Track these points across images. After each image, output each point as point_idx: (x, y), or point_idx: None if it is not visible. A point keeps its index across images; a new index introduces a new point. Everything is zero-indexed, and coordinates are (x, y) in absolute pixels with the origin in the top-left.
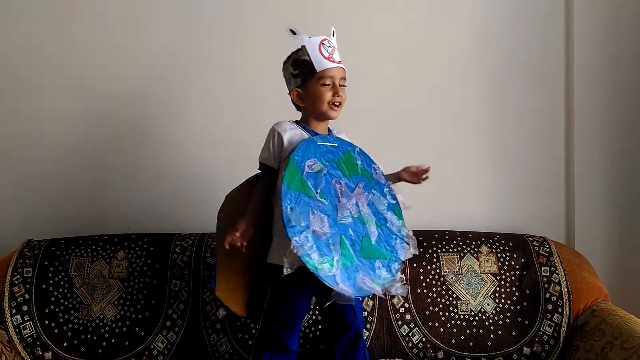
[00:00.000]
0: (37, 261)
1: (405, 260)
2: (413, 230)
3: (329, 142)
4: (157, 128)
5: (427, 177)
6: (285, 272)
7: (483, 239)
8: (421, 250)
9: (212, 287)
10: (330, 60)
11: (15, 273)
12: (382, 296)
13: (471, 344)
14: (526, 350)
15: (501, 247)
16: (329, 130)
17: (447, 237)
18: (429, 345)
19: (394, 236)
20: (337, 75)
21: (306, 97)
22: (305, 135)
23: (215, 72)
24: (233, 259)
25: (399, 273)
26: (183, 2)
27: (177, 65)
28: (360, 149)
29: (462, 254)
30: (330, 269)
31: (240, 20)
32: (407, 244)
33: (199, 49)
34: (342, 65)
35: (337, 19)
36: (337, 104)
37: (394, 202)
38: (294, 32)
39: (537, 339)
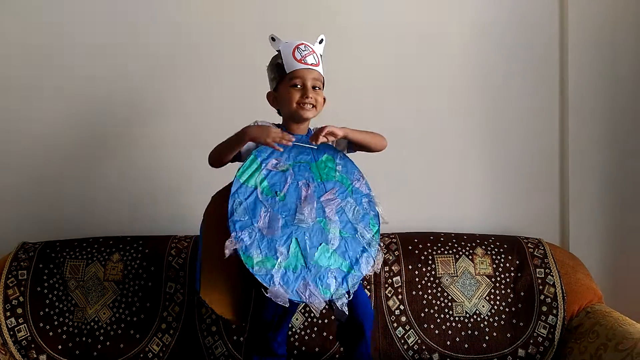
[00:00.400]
0: (32, 264)
1: (401, 261)
2: (409, 232)
3: (307, 144)
4: (153, 129)
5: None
6: (227, 255)
7: (478, 241)
8: (416, 252)
9: (197, 289)
10: (302, 63)
11: (10, 276)
12: (315, 310)
13: (466, 345)
14: (521, 352)
15: (496, 249)
16: (309, 131)
17: (442, 239)
18: (424, 347)
19: (361, 249)
20: (308, 76)
21: (279, 99)
22: None
23: (210, 72)
24: (218, 260)
25: (354, 287)
26: (173, 3)
27: (171, 65)
28: (344, 154)
29: (457, 256)
30: (269, 269)
31: (234, 19)
32: (374, 259)
33: (191, 49)
34: (314, 68)
35: (335, 19)
36: (308, 104)
37: (372, 214)
38: (273, 39)
39: (531, 341)
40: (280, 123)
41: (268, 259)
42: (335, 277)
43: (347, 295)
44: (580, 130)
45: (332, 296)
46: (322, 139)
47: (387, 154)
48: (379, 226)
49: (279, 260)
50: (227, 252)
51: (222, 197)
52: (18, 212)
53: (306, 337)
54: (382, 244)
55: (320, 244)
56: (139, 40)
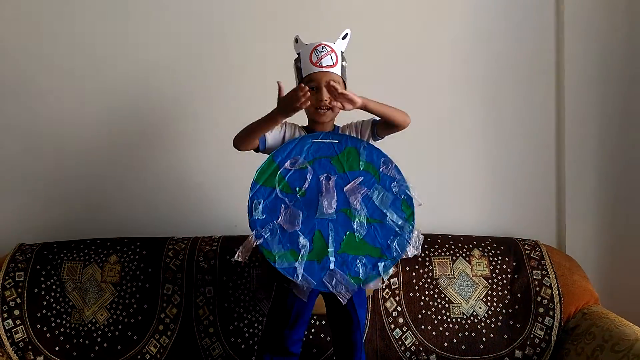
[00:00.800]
0: (29, 265)
1: (398, 262)
2: None
3: (329, 139)
4: (149, 133)
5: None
6: (235, 258)
7: (475, 243)
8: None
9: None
10: (316, 65)
11: (7, 277)
12: (342, 299)
13: (463, 347)
14: (518, 353)
15: (493, 251)
16: (335, 127)
17: (439, 240)
18: (421, 349)
19: (392, 234)
20: (323, 79)
21: None
22: (297, 137)
23: (215, 78)
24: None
25: (388, 273)
26: (194, 2)
27: (172, 71)
28: (368, 143)
29: (454, 258)
30: (292, 262)
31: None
32: (409, 242)
33: (206, 54)
34: (330, 70)
35: (335, 22)
36: (323, 108)
37: (404, 197)
38: (296, 41)
39: (528, 342)
40: (306, 124)
41: (291, 252)
42: (364, 264)
43: (380, 282)
44: (576, 133)
45: (362, 284)
46: (337, 105)
47: (386, 153)
48: (413, 209)
49: (301, 252)
50: (246, 250)
51: None
52: (15, 214)
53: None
54: (417, 227)
55: (347, 233)
56: (140, 44)
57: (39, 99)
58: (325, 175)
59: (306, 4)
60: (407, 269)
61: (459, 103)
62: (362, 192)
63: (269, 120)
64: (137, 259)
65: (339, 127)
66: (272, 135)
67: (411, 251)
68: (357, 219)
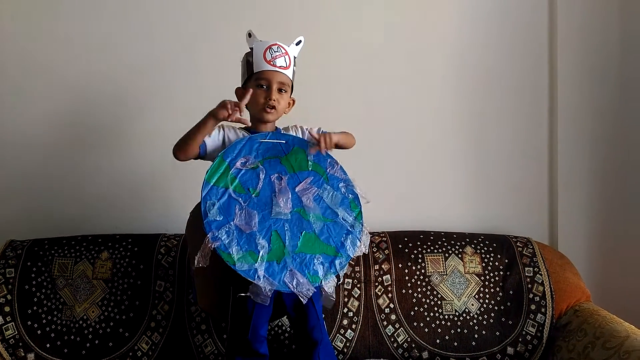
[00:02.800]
0: (20, 262)
1: (390, 259)
2: (399, 231)
3: (275, 140)
4: (141, 127)
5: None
6: (195, 264)
7: (467, 240)
8: (406, 250)
9: (194, 300)
10: (270, 64)
11: None
12: (303, 298)
13: (455, 344)
14: (510, 350)
15: (485, 248)
16: (277, 129)
17: (432, 237)
18: (413, 346)
19: (345, 232)
20: (274, 79)
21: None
22: (245, 136)
23: (200, 69)
24: (206, 268)
25: (343, 270)
26: (162, 2)
27: (160, 63)
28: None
29: (446, 255)
30: (252, 264)
31: (219, 20)
32: (359, 240)
33: (181, 47)
34: (283, 71)
35: (320, 22)
36: (269, 107)
37: (351, 197)
38: (250, 35)
39: (520, 339)
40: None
41: (250, 253)
42: (322, 263)
43: (335, 280)
44: (569, 130)
45: (321, 282)
46: (324, 150)
47: (376, 153)
48: (361, 207)
49: (260, 253)
50: (205, 254)
51: (199, 209)
52: (5, 210)
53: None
54: (365, 225)
55: (302, 233)
56: (132, 38)
57: (22, 96)
58: (277, 175)
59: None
60: (400, 266)
61: (451, 100)
62: (313, 191)
63: (202, 126)
64: (129, 255)
65: (280, 128)
66: (212, 140)
67: (361, 249)
68: (311, 218)
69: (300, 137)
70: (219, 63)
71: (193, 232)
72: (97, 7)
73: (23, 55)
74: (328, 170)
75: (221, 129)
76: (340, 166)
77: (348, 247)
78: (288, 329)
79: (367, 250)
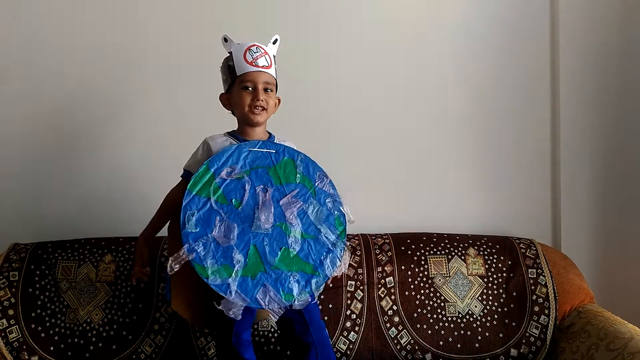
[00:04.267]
0: (23, 265)
1: (393, 261)
2: (402, 233)
3: (266, 149)
4: (145, 129)
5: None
6: (168, 272)
7: (470, 242)
8: (409, 252)
9: (168, 299)
10: (252, 65)
11: (1, 277)
12: (274, 316)
13: (459, 345)
14: (513, 351)
15: (488, 250)
16: (270, 135)
17: (434, 239)
18: (417, 347)
19: (325, 250)
20: (259, 79)
21: (232, 101)
22: (235, 144)
23: (195, 66)
24: (187, 271)
25: (319, 290)
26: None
27: (154, 59)
28: (305, 156)
29: (449, 257)
30: (225, 278)
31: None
32: (339, 259)
33: (175, 43)
34: (266, 70)
35: (316, 22)
36: (258, 108)
37: (337, 213)
38: (225, 40)
39: (524, 341)
40: (235, 129)
41: (225, 267)
42: (297, 280)
43: (308, 299)
44: (572, 131)
45: (295, 300)
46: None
47: (379, 155)
48: (345, 225)
49: (235, 268)
50: (177, 265)
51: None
52: (9, 213)
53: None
54: (348, 244)
55: (281, 249)
56: (112, 38)
57: (28, 99)
58: (262, 186)
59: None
60: (403, 268)
61: (455, 102)
62: (297, 206)
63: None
64: (132, 258)
65: (274, 135)
66: (199, 163)
67: (340, 269)
68: (292, 234)
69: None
70: (208, 63)
71: (173, 231)
72: (83, 7)
73: (23, 54)
74: (317, 184)
75: (205, 145)
76: (330, 180)
77: (327, 267)
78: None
79: (346, 270)
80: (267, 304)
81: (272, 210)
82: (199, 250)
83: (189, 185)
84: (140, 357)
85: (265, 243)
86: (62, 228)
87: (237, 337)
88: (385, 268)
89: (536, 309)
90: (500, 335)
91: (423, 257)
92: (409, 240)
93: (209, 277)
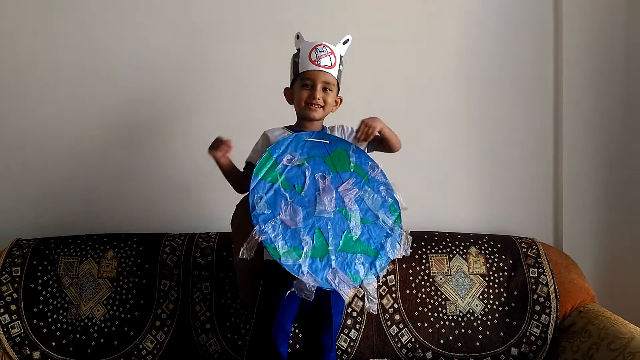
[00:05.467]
0: (26, 260)
1: (395, 260)
2: None
3: (320, 139)
4: (147, 128)
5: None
6: (240, 255)
7: (472, 240)
8: (410, 251)
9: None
10: (315, 64)
11: (4, 272)
12: (345, 296)
13: (459, 344)
14: (514, 350)
15: (490, 249)
16: (324, 128)
17: (436, 238)
18: (417, 346)
19: (384, 234)
20: (319, 78)
21: (293, 96)
22: (291, 134)
23: (209, 74)
24: (250, 264)
25: (383, 271)
26: (187, 4)
27: (170, 66)
28: (356, 147)
29: (451, 255)
30: (296, 259)
31: (243, 20)
32: (399, 243)
33: (198, 50)
34: (328, 70)
35: (331, 24)
36: (315, 105)
37: (391, 201)
38: (297, 37)
39: (524, 340)
40: (293, 124)
41: (294, 248)
42: (362, 263)
43: (376, 280)
44: (574, 131)
45: (362, 282)
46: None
47: (381, 154)
48: (400, 212)
49: (305, 249)
50: (251, 246)
51: (242, 205)
52: (12, 209)
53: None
54: (405, 229)
55: (344, 232)
56: (147, 39)
57: (33, 98)
58: (321, 173)
59: (296, 7)
60: (404, 266)
61: (457, 101)
62: (355, 193)
63: (221, 169)
64: (134, 254)
65: (327, 127)
66: (259, 155)
67: (400, 252)
68: (352, 219)
69: (344, 137)
70: (235, 67)
71: (239, 224)
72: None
73: (35, 58)
74: (369, 173)
75: (264, 137)
76: (381, 170)
77: (388, 249)
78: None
79: (408, 253)
80: (337, 284)
81: (334, 195)
82: (269, 232)
83: (255, 169)
84: (141, 353)
85: (329, 227)
86: (65, 224)
87: (278, 327)
88: (387, 266)
89: (537, 308)
90: (501, 334)
91: (424, 256)
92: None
93: (281, 258)
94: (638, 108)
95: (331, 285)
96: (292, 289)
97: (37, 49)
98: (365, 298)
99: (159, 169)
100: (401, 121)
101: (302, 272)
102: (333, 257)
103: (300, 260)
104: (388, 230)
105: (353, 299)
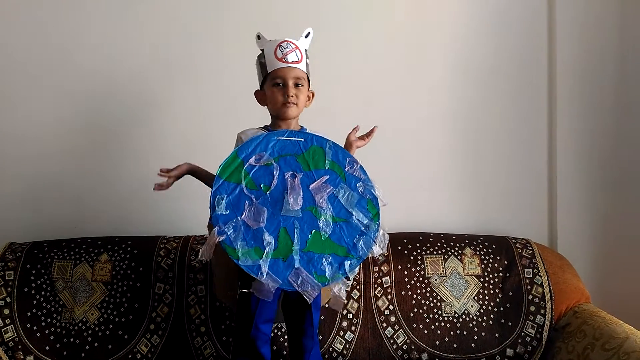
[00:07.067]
0: (19, 264)
1: (390, 261)
2: (398, 232)
3: (294, 137)
4: (141, 130)
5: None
6: (199, 257)
7: (467, 241)
8: (405, 252)
9: (213, 290)
10: (282, 61)
11: None
12: (308, 298)
13: (455, 345)
14: (509, 351)
15: (485, 250)
16: (302, 128)
17: (431, 239)
18: (413, 347)
19: (358, 233)
20: (289, 75)
21: (265, 98)
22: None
23: (201, 73)
24: (223, 258)
25: (354, 272)
26: (167, 3)
27: (162, 66)
28: (334, 143)
29: (446, 256)
30: (256, 260)
31: (225, 20)
32: (374, 241)
33: (184, 50)
34: (296, 66)
35: (321, 21)
36: (290, 103)
37: (369, 197)
38: (259, 37)
39: (520, 341)
40: (269, 124)
41: (256, 249)
42: (330, 263)
43: (346, 281)
44: (568, 131)
45: (328, 282)
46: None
47: (375, 154)
48: (379, 209)
49: (266, 250)
50: (209, 246)
51: None
52: (5, 212)
53: None
54: (383, 226)
55: (312, 231)
56: (133, 41)
57: (23, 98)
58: (291, 173)
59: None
60: (399, 267)
61: (451, 101)
62: (328, 190)
63: (195, 176)
64: (128, 257)
65: (305, 128)
66: None
67: (377, 250)
68: (322, 217)
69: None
70: (225, 66)
71: (210, 226)
72: (105, 7)
73: (25, 58)
74: (347, 170)
75: (238, 139)
76: (360, 166)
77: (360, 249)
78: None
79: (384, 251)
80: (299, 285)
81: (301, 194)
82: (229, 233)
83: (217, 171)
84: (136, 357)
85: (296, 226)
86: (58, 227)
87: (257, 329)
88: (382, 268)
89: (532, 308)
90: (497, 335)
91: (419, 257)
92: (405, 240)
93: (239, 259)
94: (633, 107)
95: (293, 287)
96: (250, 290)
97: (27, 51)
98: (331, 297)
99: (153, 172)
100: (396, 121)
101: (261, 273)
102: (297, 257)
103: (260, 261)
104: (362, 229)
105: (348, 301)
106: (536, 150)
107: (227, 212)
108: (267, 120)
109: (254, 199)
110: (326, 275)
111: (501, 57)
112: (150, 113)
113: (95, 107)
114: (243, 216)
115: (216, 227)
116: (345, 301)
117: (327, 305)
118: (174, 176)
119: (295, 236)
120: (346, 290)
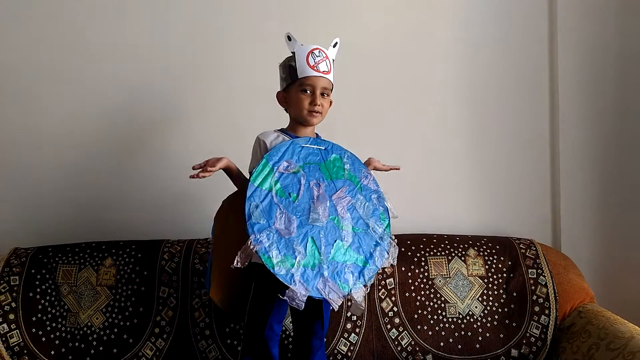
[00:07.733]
0: (24, 269)
1: (389, 265)
2: (402, 234)
3: (316, 145)
4: (146, 135)
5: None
6: (234, 264)
7: (470, 242)
8: (409, 254)
9: (207, 288)
10: (314, 69)
11: (2, 281)
12: (335, 307)
13: (459, 346)
14: (514, 352)
15: (488, 250)
16: (317, 135)
17: (435, 240)
18: (417, 349)
19: (374, 243)
20: (319, 84)
21: (289, 100)
22: (288, 140)
23: (209, 80)
24: (226, 262)
25: (371, 280)
26: (186, 9)
27: (171, 72)
28: (351, 154)
29: (450, 257)
30: (289, 268)
31: (243, 26)
32: (387, 252)
33: (198, 57)
34: (326, 76)
35: (325, 24)
36: (316, 112)
37: (382, 209)
38: (289, 39)
39: (524, 341)
40: (286, 127)
41: (287, 258)
42: (352, 272)
43: (364, 289)
44: (571, 131)
45: (350, 291)
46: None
47: (378, 157)
48: (389, 220)
49: (297, 259)
50: (246, 255)
51: (229, 203)
52: (10, 218)
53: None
54: (394, 238)
55: (335, 241)
56: (147, 46)
57: (31, 104)
58: (315, 181)
59: (297, 7)
60: (403, 269)
61: (454, 103)
62: (347, 201)
63: (230, 178)
64: (133, 262)
65: (319, 135)
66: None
67: (388, 261)
68: (344, 227)
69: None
70: (234, 74)
71: (222, 226)
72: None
73: (40, 62)
74: (362, 181)
75: (260, 142)
76: (373, 178)
77: (376, 259)
78: (292, 333)
79: (395, 262)
80: (327, 293)
81: (328, 204)
82: (263, 242)
83: (251, 178)
84: None
85: (321, 235)
86: (63, 232)
87: (271, 329)
88: (386, 269)
89: (536, 309)
90: (501, 335)
91: (423, 258)
92: (409, 242)
93: (274, 267)
94: (635, 108)
95: (321, 295)
96: (284, 297)
97: (32, 56)
98: (351, 304)
99: (157, 176)
100: (399, 124)
101: (294, 281)
102: (325, 266)
103: (293, 269)
104: (377, 239)
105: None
106: (539, 151)
107: (263, 221)
108: (278, 124)
109: (283, 208)
110: (349, 283)
111: (504, 62)
112: (156, 118)
113: (101, 114)
114: (276, 224)
115: (252, 236)
116: (363, 308)
117: (349, 314)
118: (217, 169)
119: (322, 245)
120: (363, 296)
